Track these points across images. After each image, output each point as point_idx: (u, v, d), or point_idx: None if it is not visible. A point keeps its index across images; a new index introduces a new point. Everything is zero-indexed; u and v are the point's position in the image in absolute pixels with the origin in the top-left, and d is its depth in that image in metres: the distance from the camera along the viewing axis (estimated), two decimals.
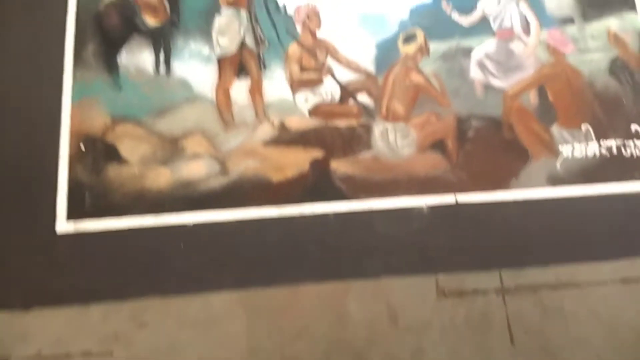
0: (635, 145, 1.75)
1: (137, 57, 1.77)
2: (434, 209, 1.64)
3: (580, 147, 1.74)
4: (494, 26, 1.89)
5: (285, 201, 1.63)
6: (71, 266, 1.53)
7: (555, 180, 1.70)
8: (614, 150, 1.74)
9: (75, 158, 1.63)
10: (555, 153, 1.74)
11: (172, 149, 1.67)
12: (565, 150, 1.74)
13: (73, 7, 1.79)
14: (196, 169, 1.66)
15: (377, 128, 1.75)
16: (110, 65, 1.74)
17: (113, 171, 1.63)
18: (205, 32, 1.81)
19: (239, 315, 1.50)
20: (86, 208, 1.58)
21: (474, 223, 1.65)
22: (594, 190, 1.70)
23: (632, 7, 1.94)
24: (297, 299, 1.53)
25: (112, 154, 1.64)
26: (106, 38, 1.77)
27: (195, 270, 1.55)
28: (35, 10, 1.79)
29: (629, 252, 1.61)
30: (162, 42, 1.78)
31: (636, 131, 1.77)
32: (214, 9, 1.84)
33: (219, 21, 1.82)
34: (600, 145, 1.75)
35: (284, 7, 1.87)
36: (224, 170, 1.66)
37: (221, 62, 1.79)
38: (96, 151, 1.65)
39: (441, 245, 1.62)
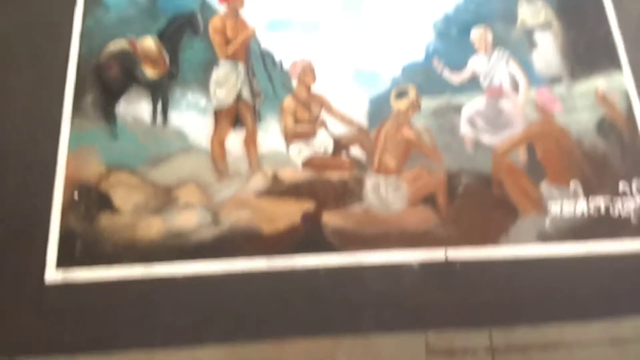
0: (623, 204, 1.83)
1: (135, 108, 1.87)
2: (424, 265, 1.71)
3: (569, 204, 1.83)
4: (484, 84, 2.01)
5: (275, 253, 1.69)
6: (58, 316, 1.57)
7: (544, 237, 1.78)
8: (602, 209, 1.82)
9: (68, 206, 1.70)
10: (544, 210, 1.82)
11: (165, 198, 1.75)
12: (554, 207, 1.82)
13: (74, 58, 1.89)
14: (188, 219, 1.72)
15: (369, 181, 1.83)
16: (108, 115, 1.83)
17: (105, 220, 1.70)
18: (203, 84, 1.91)
19: None
20: (76, 256, 1.63)
21: (464, 280, 1.71)
22: (582, 248, 1.77)
23: (619, 67, 2.07)
24: (286, 354, 1.57)
25: (105, 203, 1.71)
26: (105, 88, 1.87)
27: (183, 323, 1.59)
28: (37, 59, 1.89)
29: (618, 312, 1.67)
30: (160, 93, 1.88)
31: (624, 190, 1.86)
32: (212, 62, 1.94)
33: (217, 74, 1.93)
34: (588, 203, 1.83)
35: (280, 62, 1.99)
36: (215, 220, 1.73)
37: (217, 113, 1.89)
38: (89, 200, 1.72)
39: (431, 302, 1.67)
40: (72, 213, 1.69)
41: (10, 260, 1.62)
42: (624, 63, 2.07)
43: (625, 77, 2.05)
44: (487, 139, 1.92)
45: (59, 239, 1.65)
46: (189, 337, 1.57)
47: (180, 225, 1.71)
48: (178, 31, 1.98)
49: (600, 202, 1.83)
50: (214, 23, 1.99)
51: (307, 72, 1.98)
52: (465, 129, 1.93)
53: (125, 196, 1.73)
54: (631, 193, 1.84)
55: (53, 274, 1.61)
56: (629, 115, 1.98)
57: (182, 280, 1.63)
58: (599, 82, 2.04)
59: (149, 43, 1.94)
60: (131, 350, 1.55)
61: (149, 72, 1.91)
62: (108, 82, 1.88)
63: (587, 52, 2.09)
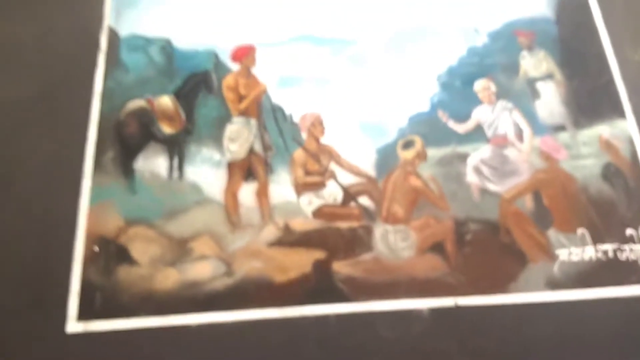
0: (630, 250, 1.94)
1: (153, 163, 2.04)
2: (434, 312, 1.82)
3: (577, 251, 1.94)
4: (489, 133, 2.16)
5: (287, 302, 1.82)
6: None
7: (553, 283, 1.88)
8: (610, 254, 1.93)
9: (88, 260, 1.85)
10: (553, 257, 1.93)
11: (180, 250, 1.90)
12: (562, 254, 1.93)
13: (95, 116, 2.09)
14: (203, 269, 1.86)
15: (378, 230, 1.97)
16: (127, 170, 2.01)
17: (124, 272, 1.85)
18: (217, 139, 2.09)
19: None
20: (96, 309, 1.78)
21: (474, 327, 1.81)
22: (591, 294, 1.86)
23: (622, 114, 2.21)
24: None
25: (123, 256, 1.86)
26: (125, 145, 2.04)
27: None
28: (60, 118, 2.08)
29: (627, 357, 1.76)
30: (176, 148, 2.06)
31: (631, 235, 1.97)
32: (226, 118, 2.12)
33: (230, 129, 2.11)
34: (596, 250, 1.94)
35: (291, 115, 2.18)
36: (229, 271, 1.87)
37: (231, 166, 2.05)
38: (109, 253, 1.87)
39: (442, 349, 1.77)
40: (92, 266, 1.85)
41: (33, 311, 1.76)
42: (626, 110, 2.22)
43: (628, 123, 2.19)
44: (494, 186, 2.06)
45: (80, 291, 1.79)
46: None
47: (195, 276, 1.86)
48: (193, 89, 2.17)
49: (607, 248, 1.94)
50: (228, 81, 2.18)
51: (316, 125, 2.15)
52: (471, 177, 2.07)
53: (143, 249, 1.88)
54: (638, 239, 1.96)
55: (74, 326, 1.75)
56: (633, 161, 2.11)
57: (195, 328, 1.76)
58: (603, 129, 2.17)
59: (166, 101, 2.15)
60: None
61: (166, 128, 2.10)
62: (127, 139, 2.07)
63: (590, 100, 2.24)
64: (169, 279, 1.81)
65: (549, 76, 2.26)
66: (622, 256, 1.88)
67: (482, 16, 2.37)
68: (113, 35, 2.23)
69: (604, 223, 1.95)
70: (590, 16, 2.38)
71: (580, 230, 1.93)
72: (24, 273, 1.80)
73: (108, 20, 2.25)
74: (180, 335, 1.72)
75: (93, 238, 1.86)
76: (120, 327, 1.72)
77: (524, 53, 2.30)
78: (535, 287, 1.84)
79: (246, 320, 1.75)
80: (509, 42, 2.31)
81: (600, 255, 1.89)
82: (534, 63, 2.26)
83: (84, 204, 1.91)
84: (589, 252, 1.90)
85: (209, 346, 1.72)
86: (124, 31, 2.25)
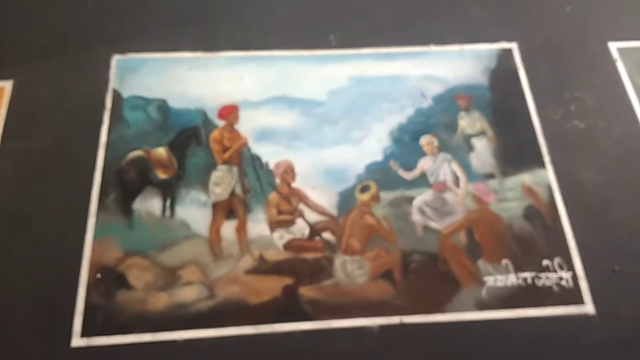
0: (546, 277, 2.26)
1: (148, 204, 2.33)
2: (383, 328, 2.10)
3: (501, 278, 2.24)
4: (431, 180, 2.47)
5: (260, 321, 2.05)
6: None
7: (481, 305, 2.16)
8: (529, 281, 2.23)
9: (91, 285, 2.11)
10: (482, 283, 2.21)
11: (170, 277, 2.16)
12: (490, 280, 2.23)
13: (100, 164, 2.37)
14: (189, 294, 2.12)
15: (338, 260, 2.24)
16: (127, 210, 2.29)
17: (122, 296, 2.12)
18: (204, 184, 2.36)
19: None
20: (97, 327, 2.04)
21: (417, 341, 2.09)
22: (513, 314, 2.16)
23: (542, 165, 2.51)
24: None
25: (122, 282, 2.11)
26: (125, 189, 2.31)
27: None
28: (70, 166, 2.34)
29: None
30: (169, 191, 2.33)
31: (547, 265, 2.31)
32: (212, 166, 2.40)
33: (215, 175, 2.40)
34: (517, 277, 2.24)
35: (267, 164, 2.50)
36: (211, 294, 2.14)
37: (215, 207, 2.33)
38: (109, 279, 2.14)
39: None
40: (94, 290, 2.11)
41: (44, 327, 2.02)
42: (546, 161, 2.51)
43: (548, 172, 2.49)
44: (434, 224, 2.37)
45: (84, 311, 2.05)
46: None
47: (182, 299, 2.11)
48: (185, 142, 2.47)
49: (527, 276, 2.26)
50: (214, 135, 2.49)
51: (288, 172, 2.45)
52: (416, 216, 2.38)
53: (139, 276, 2.14)
54: (553, 269, 2.29)
55: (78, 341, 2.01)
56: (551, 204, 2.43)
57: (182, 343, 2.03)
58: (525, 177, 2.47)
59: (161, 152, 2.46)
60: None
61: (161, 175, 2.41)
62: (127, 183, 2.34)
63: (516, 153, 2.54)
64: (160, 301, 2.08)
65: (482, 133, 2.58)
66: (539, 283, 2.19)
67: (429, 82, 2.71)
68: (117, 96, 2.54)
69: (524, 255, 2.25)
70: (518, 83, 2.70)
71: (505, 261, 2.23)
72: (37, 295, 2.05)
73: (113, 83, 2.57)
74: (169, 349, 1.98)
75: (96, 267, 2.13)
76: (118, 342, 1.98)
77: (462, 114, 2.62)
78: (467, 307, 2.12)
79: (225, 336, 2.01)
80: (449, 104, 2.63)
81: (521, 281, 2.19)
82: (470, 122, 2.60)
83: (89, 238, 2.19)
84: (511, 279, 2.20)
85: (194, 358, 1.99)
86: (126, 93, 2.57)
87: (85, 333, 1.92)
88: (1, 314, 1.92)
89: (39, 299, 1.96)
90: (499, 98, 2.65)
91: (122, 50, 2.57)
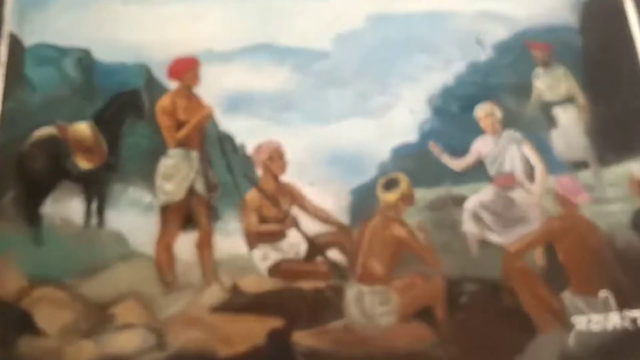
0: None
1: (65, 207, 2.34)
2: None
3: (598, 318, 2.21)
4: (491, 171, 2.49)
5: None
6: None
7: (568, 358, 2.21)
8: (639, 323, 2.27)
9: None
10: (568, 325, 2.19)
11: (99, 317, 2.17)
12: (580, 322, 2.21)
13: None
14: (127, 341, 2.12)
15: (351, 291, 2.25)
16: (32, 216, 2.29)
17: (25, 345, 2.13)
18: (148, 177, 2.38)
19: None
20: None
21: None
22: None
23: None
24: None
25: (26, 324, 2.12)
26: (30, 184, 2.33)
27: None
28: None
29: None
30: (95, 188, 2.35)
31: None
32: (160, 151, 2.43)
33: (165, 164, 2.42)
34: (622, 317, 2.22)
35: (242, 146, 2.52)
36: (160, 343, 2.14)
37: (165, 211, 2.35)
38: (7, 320, 2.15)
39: None
40: None
41: None
42: None
43: None
44: (496, 237, 2.39)
45: None
46: None
47: (117, 350, 2.12)
48: (118, 114, 2.50)
49: (637, 315, 2.24)
50: (163, 104, 2.51)
51: (275, 158, 2.47)
52: (468, 226, 2.41)
53: (51, 315, 2.15)
54: None
55: None
56: None
57: None
58: (635, 167, 2.48)
59: (83, 129, 2.48)
60: None
61: (83, 163, 2.42)
62: (33, 176, 2.37)
63: (620, 130, 2.55)
64: (83, 353, 2.10)
65: (569, 100, 2.61)
66: None
67: (487, 23, 2.72)
68: (15, 45, 2.56)
69: (632, 284, 2.27)
70: (624, 23, 2.69)
71: (603, 293, 2.24)
72: None
73: (9, 25, 2.59)
74: None
75: None
76: None
77: (539, 70, 2.65)
78: None
79: None
80: (519, 56, 2.66)
81: (627, 324, 2.20)
82: (551, 83, 2.64)
83: None
84: (613, 320, 2.20)
85: None
86: (29, 39, 2.59)
87: None
88: None
89: None
90: (595, 46, 2.68)
91: None
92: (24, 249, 2.24)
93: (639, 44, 2.66)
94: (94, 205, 2.30)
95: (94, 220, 2.28)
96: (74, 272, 2.22)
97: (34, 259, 2.23)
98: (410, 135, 2.52)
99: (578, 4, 2.75)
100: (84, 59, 2.52)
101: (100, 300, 2.19)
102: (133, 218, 2.30)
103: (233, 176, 2.43)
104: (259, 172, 2.44)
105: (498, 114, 2.56)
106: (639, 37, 2.67)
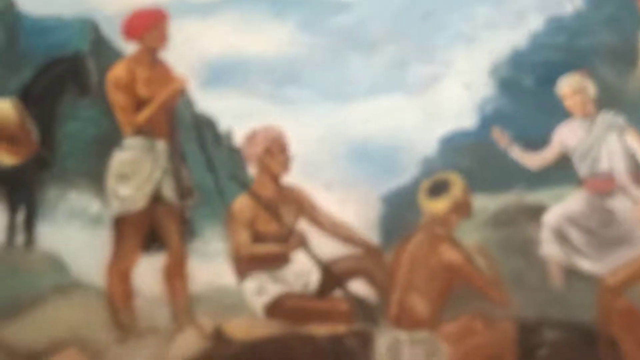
0: None
1: None
2: None
3: None
4: (582, 169, 2.52)
5: None
6: None
7: None
8: None
9: None
10: None
11: None
12: None
13: None
14: None
15: (383, 339, 2.28)
16: None
17: None
18: (96, 177, 2.41)
19: None
20: None
21: None
22: None
23: None
24: None
25: None
26: None
27: None
28: None
29: None
30: (22, 193, 2.41)
31: None
32: (113, 140, 2.45)
33: (120, 158, 2.43)
34: None
35: (228, 134, 2.58)
36: None
37: (120, 224, 2.36)
38: None
39: None
40: None
41: None
42: None
43: None
44: (589, 264, 2.42)
45: None
46: None
47: None
48: (54, 88, 2.55)
49: None
50: (116, 74, 2.51)
51: (275, 152, 2.48)
52: (550, 248, 2.45)
53: None
54: None
55: None
56: None
57: None
58: None
59: (4, 109, 2.55)
60: None
61: (4, 157, 2.47)
62: None
63: None
64: None
65: None
66: None
67: None
68: None
69: None
70: None
71: None
72: None
73: None
74: None
75: None
76: None
77: None
78: None
79: None
80: (621, 7, 2.71)
81: None
82: None
83: None
84: None
85: None
86: None
87: None
88: None
89: None
90: None
91: None
92: None
93: None
94: (20, 217, 2.31)
95: (19, 238, 2.30)
96: None
97: None
98: (465, 120, 2.56)
99: None
100: (6, 15, 2.56)
101: (29, 350, 2.21)
102: (75, 234, 2.34)
103: (215, 176, 2.44)
104: (252, 170, 2.45)
105: (591, 89, 2.58)
106: None
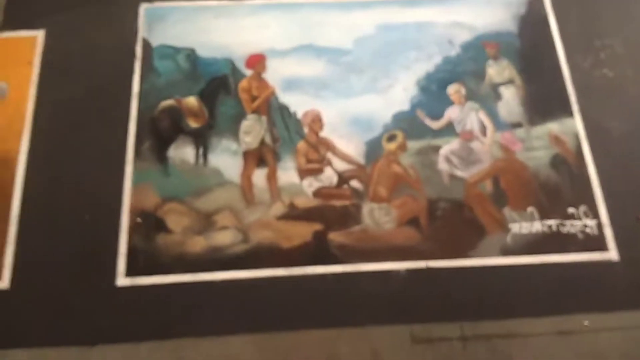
0: (571, 225, 2.28)
1: (182, 152, 2.35)
2: (410, 272, 2.15)
3: (526, 225, 2.26)
4: (458, 129, 2.45)
5: (292, 264, 2.12)
6: (126, 312, 2.07)
7: (506, 251, 2.19)
8: (554, 228, 2.26)
9: (132, 229, 2.17)
10: (506, 230, 2.23)
11: (206, 222, 2.22)
12: (514, 227, 2.25)
13: (134, 114, 2.38)
14: (224, 238, 2.18)
15: (366, 207, 2.27)
16: (161, 157, 2.32)
17: (161, 239, 2.19)
18: (234, 133, 2.38)
19: (253, 353, 2.01)
20: (140, 267, 2.14)
21: (441, 284, 2.15)
22: (537, 259, 2.19)
23: (570, 114, 2.49)
24: (299, 342, 2.02)
25: (161, 226, 2.17)
26: (159, 137, 2.34)
27: (220, 318, 2.06)
28: (105, 116, 2.36)
29: (564, 310, 2.06)
30: (201, 140, 2.35)
31: (572, 213, 2.32)
32: (241, 115, 2.42)
33: (245, 124, 2.41)
34: (543, 224, 2.27)
35: (295, 113, 2.50)
36: (245, 239, 2.20)
37: (246, 155, 2.34)
38: (149, 223, 2.20)
39: (415, 302, 2.09)
40: (135, 234, 2.18)
41: (90, 269, 2.12)
42: (574, 110, 2.48)
43: (575, 121, 2.47)
44: (460, 173, 2.37)
45: (127, 253, 2.15)
46: (225, 328, 2.03)
47: (218, 242, 2.17)
48: (214, 91, 2.47)
49: (552, 223, 2.28)
50: (242, 84, 2.48)
51: (316, 121, 2.45)
52: (442, 165, 2.37)
53: (177, 220, 2.20)
54: (579, 216, 2.30)
55: (123, 280, 2.12)
56: (577, 153, 2.40)
57: (219, 283, 2.11)
58: (553, 126, 2.45)
59: (192, 101, 2.47)
60: (182, 338, 2.01)
61: (192, 123, 2.43)
62: (161, 132, 2.37)
63: (544, 102, 2.50)
64: (197, 244, 2.15)
65: (510, 81, 2.52)
66: (564, 230, 2.20)
67: (456, 29, 2.63)
68: (147, 46, 2.53)
69: (550, 203, 2.25)
70: (547, 30, 2.61)
71: (530, 209, 2.24)
72: (82, 240, 2.13)
73: (142, 32, 2.56)
74: (206, 289, 2.06)
75: (136, 212, 2.20)
76: (160, 282, 2.07)
77: (490, 62, 2.56)
78: (491, 253, 2.15)
79: (259, 277, 2.08)
80: (477, 52, 2.57)
81: (545, 229, 2.20)
82: (498, 70, 2.54)
83: (128, 184, 2.24)
84: (536, 226, 2.21)
85: (230, 298, 2.06)
86: (155, 42, 2.55)
87: (129, 273, 2.01)
88: (52, 259, 2.00)
89: (83, 244, 2.04)
90: (527, 45, 2.58)
91: None
92: (157, 178, 2.25)
93: (557, 45, 2.60)
94: (201, 151, 2.28)
95: (200, 161, 2.27)
96: (190, 193, 2.24)
97: (164, 185, 2.24)
98: (404, 106, 2.46)
99: (517, 17, 2.66)
100: (191, 55, 2.48)
101: (207, 211, 2.20)
102: (225, 159, 2.30)
103: (289, 133, 2.39)
104: (306, 130, 2.39)
105: (463, 91, 2.49)
106: (557, 40, 2.61)
